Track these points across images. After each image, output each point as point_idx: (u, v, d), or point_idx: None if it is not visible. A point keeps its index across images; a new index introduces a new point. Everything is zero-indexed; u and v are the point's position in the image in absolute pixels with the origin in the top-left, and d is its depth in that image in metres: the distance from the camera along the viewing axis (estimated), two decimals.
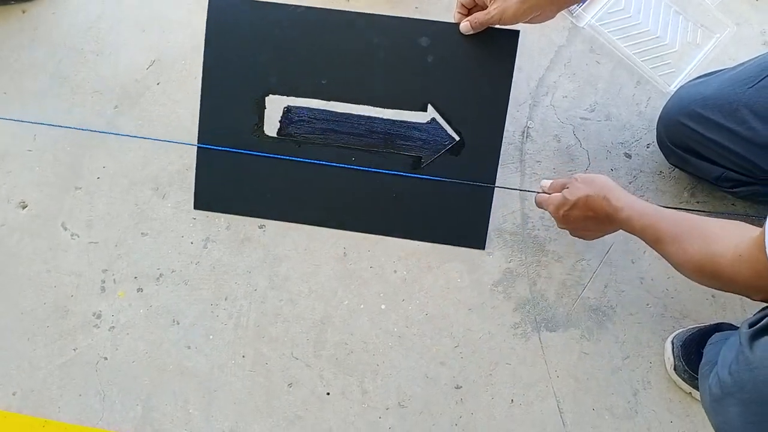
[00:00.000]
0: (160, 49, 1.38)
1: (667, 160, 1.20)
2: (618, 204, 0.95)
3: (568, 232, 1.09)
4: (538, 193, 1.10)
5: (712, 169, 1.10)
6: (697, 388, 1.07)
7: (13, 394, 1.14)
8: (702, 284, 0.87)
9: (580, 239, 1.10)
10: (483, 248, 1.18)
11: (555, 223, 1.08)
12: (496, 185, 1.19)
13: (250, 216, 1.22)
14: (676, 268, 0.89)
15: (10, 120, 1.28)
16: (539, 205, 1.09)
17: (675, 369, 1.09)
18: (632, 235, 0.95)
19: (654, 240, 0.90)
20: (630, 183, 1.23)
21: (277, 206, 1.22)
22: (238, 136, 1.18)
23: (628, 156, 1.26)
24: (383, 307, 1.18)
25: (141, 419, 1.12)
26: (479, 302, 1.18)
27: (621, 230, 0.99)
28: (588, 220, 0.99)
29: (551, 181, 1.09)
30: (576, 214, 1.00)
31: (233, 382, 1.14)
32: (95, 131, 1.28)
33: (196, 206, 1.24)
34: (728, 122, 1.02)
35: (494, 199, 1.22)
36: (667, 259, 0.90)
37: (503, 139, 1.15)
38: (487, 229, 1.17)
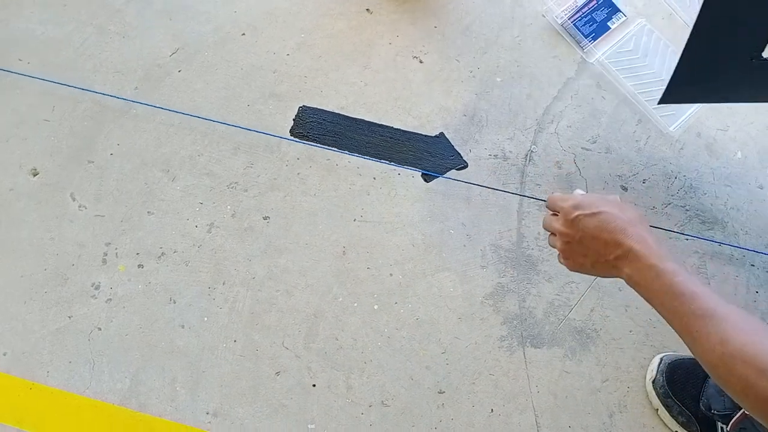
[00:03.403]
0: (184, 39, 1.42)
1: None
2: (650, 239, 0.79)
3: (557, 251, 0.91)
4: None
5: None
6: (666, 406, 1.11)
7: (4, 355, 1.16)
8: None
9: (563, 265, 0.91)
10: None
11: (555, 232, 0.89)
12: (497, 188, 1.23)
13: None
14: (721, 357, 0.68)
15: (37, 79, 1.31)
16: (553, 202, 0.90)
17: (653, 382, 1.13)
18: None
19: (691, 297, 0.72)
20: None
21: None
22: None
23: (624, 189, 1.31)
24: (376, 307, 1.21)
25: (128, 392, 1.14)
26: (469, 312, 1.21)
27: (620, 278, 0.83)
28: (596, 239, 0.82)
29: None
30: (591, 223, 0.82)
31: (222, 365, 1.16)
32: (119, 98, 1.32)
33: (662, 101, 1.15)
34: None
35: (492, 214, 1.27)
36: (708, 337, 0.70)
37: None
38: None
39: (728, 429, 0.97)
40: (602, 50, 1.41)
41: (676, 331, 0.75)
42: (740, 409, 0.94)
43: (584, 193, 0.88)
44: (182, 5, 1.46)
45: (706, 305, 0.71)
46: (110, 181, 1.28)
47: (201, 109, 1.35)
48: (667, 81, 1.12)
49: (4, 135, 1.31)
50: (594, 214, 0.83)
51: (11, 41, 1.41)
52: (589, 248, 0.83)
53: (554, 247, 0.90)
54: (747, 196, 1.31)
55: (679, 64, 1.08)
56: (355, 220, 1.27)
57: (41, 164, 1.29)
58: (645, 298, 0.79)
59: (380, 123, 1.35)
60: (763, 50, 1.01)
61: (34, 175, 1.28)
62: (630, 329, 1.20)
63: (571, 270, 0.89)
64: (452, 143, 1.34)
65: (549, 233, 0.92)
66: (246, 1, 1.48)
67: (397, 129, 1.35)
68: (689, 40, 1.03)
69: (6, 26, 1.42)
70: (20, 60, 1.38)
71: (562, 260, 0.90)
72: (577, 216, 0.84)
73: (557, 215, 0.89)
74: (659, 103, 1.18)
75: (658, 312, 0.77)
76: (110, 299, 1.20)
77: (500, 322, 1.21)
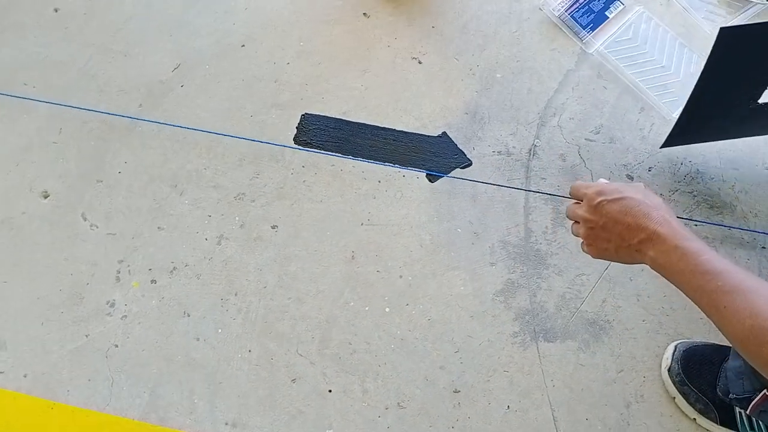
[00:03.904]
0: (185, 54, 1.44)
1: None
2: (673, 222, 0.80)
3: (581, 239, 0.91)
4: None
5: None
6: (683, 394, 1.11)
7: (24, 376, 1.18)
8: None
9: (585, 253, 0.91)
10: None
11: (579, 219, 0.89)
12: (502, 184, 1.24)
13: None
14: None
15: (43, 102, 1.34)
16: (575, 189, 0.92)
17: (669, 370, 1.13)
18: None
19: (715, 273, 0.73)
20: None
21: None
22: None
23: (630, 178, 1.30)
24: (387, 310, 1.22)
25: (147, 406, 1.15)
26: (480, 310, 1.21)
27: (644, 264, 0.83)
28: (619, 223, 0.82)
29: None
30: (614, 208, 0.83)
31: (238, 375, 1.17)
32: (124, 116, 1.34)
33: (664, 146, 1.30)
34: None
35: (499, 211, 1.27)
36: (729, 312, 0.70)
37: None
38: None
39: (748, 412, 0.97)
40: (601, 40, 1.41)
41: (703, 310, 0.74)
42: (760, 391, 0.94)
43: (607, 181, 0.89)
44: (181, 21, 1.47)
45: (733, 280, 0.71)
46: (120, 199, 1.30)
47: (205, 122, 1.36)
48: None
49: (13, 159, 1.34)
50: (617, 199, 0.83)
51: (16, 66, 1.43)
52: (612, 233, 0.84)
53: (577, 235, 0.91)
54: (755, 178, 1.30)
55: (682, 114, 1.18)
56: (362, 224, 1.28)
57: (51, 186, 1.31)
58: (670, 280, 0.78)
59: (382, 126, 1.36)
60: (758, 98, 1.12)
61: (45, 197, 1.31)
62: (643, 318, 1.20)
63: (594, 257, 0.89)
64: (455, 142, 1.34)
65: (572, 222, 0.92)
66: (244, 13, 1.49)
67: (399, 131, 1.36)
68: (693, 94, 1.12)
69: (10, 51, 1.45)
70: (25, 84, 1.41)
71: (585, 248, 0.90)
72: (600, 202, 0.84)
73: (580, 204, 0.89)
74: (662, 147, 1.29)
75: (684, 293, 0.77)
76: (125, 316, 1.21)
77: (512, 318, 1.21)
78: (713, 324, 0.74)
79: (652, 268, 0.81)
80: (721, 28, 0.99)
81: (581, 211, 0.88)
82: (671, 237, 0.77)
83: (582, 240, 0.90)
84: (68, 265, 1.25)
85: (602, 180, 0.90)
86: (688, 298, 0.76)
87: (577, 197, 0.91)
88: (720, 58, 1.04)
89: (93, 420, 1.14)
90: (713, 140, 1.32)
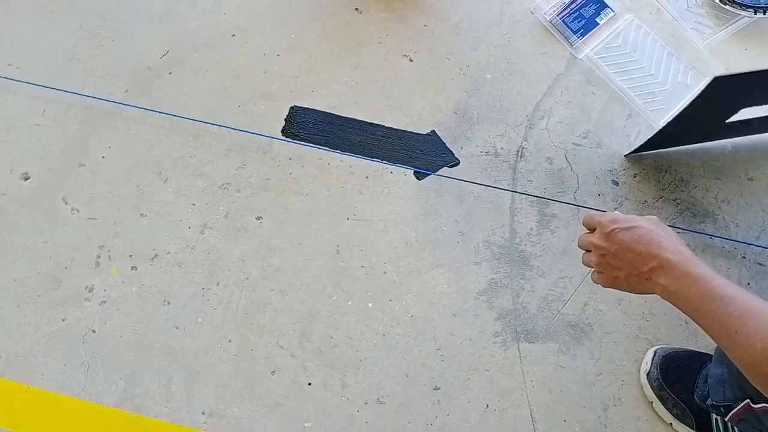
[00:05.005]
0: (174, 41, 1.42)
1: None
2: (685, 251, 0.80)
3: (593, 266, 0.91)
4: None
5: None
6: (660, 398, 1.12)
7: None
8: None
9: (597, 282, 0.91)
10: None
11: (591, 247, 0.90)
12: (489, 185, 1.24)
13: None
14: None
15: (29, 84, 1.33)
16: (589, 218, 0.93)
17: (648, 375, 1.13)
18: None
19: (727, 300, 0.72)
20: (615, 209, 1.29)
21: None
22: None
23: (616, 183, 1.31)
24: (370, 305, 1.21)
25: (123, 393, 1.14)
26: (463, 309, 1.21)
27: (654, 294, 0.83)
28: (631, 251, 0.83)
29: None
30: (627, 236, 0.84)
31: (217, 365, 1.16)
32: (110, 101, 1.32)
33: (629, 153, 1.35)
34: None
35: (485, 211, 1.28)
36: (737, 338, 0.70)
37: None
38: None
39: (727, 419, 0.97)
40: (591, 46, 1.42)
41: (713, 336, 0.75)
42: (742, 400, 0.94)
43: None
44: (172, 8, 1.46)
45: (744, 305, 0.71)
46: (102, 184, 1.28)
47: (192, 110, 1.35)
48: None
49: None
50: (630, 227, 0.84)
51: (1, 46, 1.41)
52: (624, 261, 0.84)
53: (588, 264, 0.91)
54: (737, 188, 1.32)
55: (656, 134, 1.25)
56: (348, 218, 1.27)
57: (33, 168, 1.29)
58: (681, 308, 0.79)
59: (371, 122, 1.36)
60: (729, 118, 1.20)
61: (26, 179, 1.29)
62: (623, 323, 1.21)
63: (604, 285, 0.89)
64: (444, 141, 1.35)
65: (583, 252, 0.93)
66: (235, 3, 1.48)
67: (388, 127, 1.35)
68: (672, 121, 1.21)
69: None
70: (10, 65, 1.39)
71: (595, 276, 0.90)
72: (613, 229, 0.85)
73: (592, 233, 0.90)
74: (626, 155, 1.34)
75: (695, 320, 0.77)
76: (104, 301, 1.20)
77: (494, 318, 1.21)
78: (724, 349, 0.73)
79: (662, 297, 0.81)
80: (715, 77, 1.02)
81: (594, 238, 0.89)
82: (682, 264, 0.78)
83: (593, 269, 0.91)
84: (47, 248, 1.23)
85: (616, 212, 0.91)
86: (669, 305, 0.77)
87: (590, 226, 0.92)
88: (706, 98, 1.09)
89: (67, 405, 1.13)
90: (674, 147, 1.36)
